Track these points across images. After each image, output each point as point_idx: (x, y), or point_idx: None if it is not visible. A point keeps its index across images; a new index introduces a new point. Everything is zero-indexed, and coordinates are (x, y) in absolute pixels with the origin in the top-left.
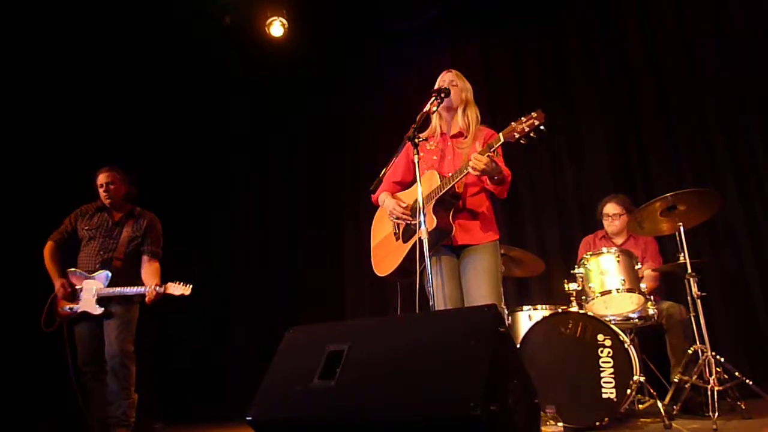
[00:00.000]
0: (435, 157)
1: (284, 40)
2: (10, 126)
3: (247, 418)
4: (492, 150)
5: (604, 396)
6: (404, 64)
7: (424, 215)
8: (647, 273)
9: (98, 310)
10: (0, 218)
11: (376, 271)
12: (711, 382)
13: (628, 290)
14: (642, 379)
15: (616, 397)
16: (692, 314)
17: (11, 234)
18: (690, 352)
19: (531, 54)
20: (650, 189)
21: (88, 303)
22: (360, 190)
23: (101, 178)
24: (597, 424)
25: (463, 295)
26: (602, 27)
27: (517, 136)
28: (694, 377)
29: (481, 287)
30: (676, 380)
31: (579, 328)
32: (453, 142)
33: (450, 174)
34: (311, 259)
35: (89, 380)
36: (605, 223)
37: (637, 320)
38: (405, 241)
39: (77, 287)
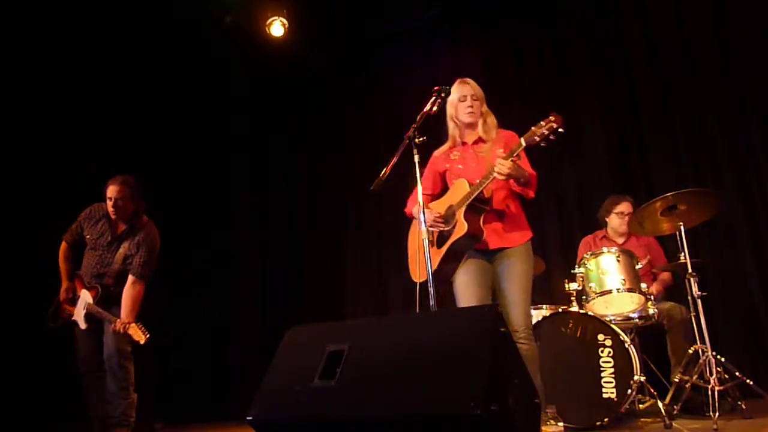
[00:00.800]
0: (461, 166)
1: (284, 40)
2: (10, 126)
3: (248, 418)
4: (515, 154)
5: (604, 396)
6: (404, 64)
7: (425, 215)
8: (664, 274)
9: (83, 325)
10: (0, 218)
11: (413, 278)
12: (711, 381)
13: (629, 290)
14: (642, 378)
15: (617, 396)
16: (693, 314)
17: (11, 234)
18: (690, 351)
19: (531, 54)
20: (650, 189)
21: (78, 314)
22: (360, 190)
23: (111, 191)
24: (597, 423)
25: (491, 296)
26: (602, 27)
27: (537, 139)
28: (695, 377)
29: (513, 293)
30: (676, 380)
31: (579, 328)
32: (474, 149)
33: (478, 180)
34: (311, 259)
35: (88, 380)
36: (617, 221)
37: (637, 320)
38: (439, 246)
39: (78, 294)
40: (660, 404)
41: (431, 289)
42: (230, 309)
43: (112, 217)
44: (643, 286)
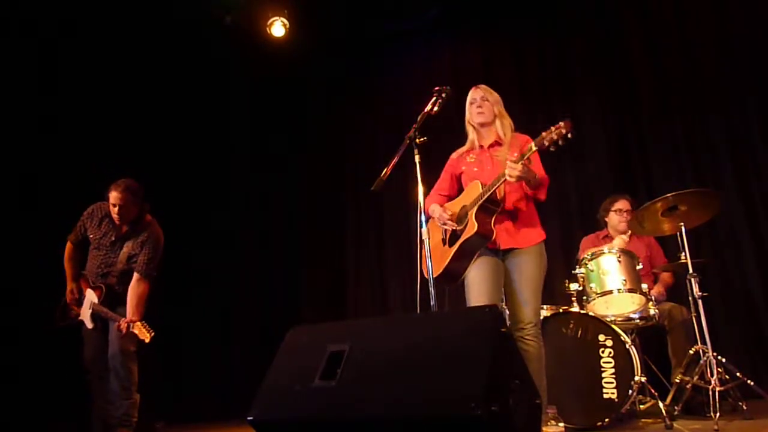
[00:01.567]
0: (476, 169)
1: (285, 40)
2: (10, 126)
3: (248, 419)
4: (525, 158)
5: (605, 396)
6: (404, 64)
7: (424, 215)
8: (664, 274)
9: (90, 325)
10: (0, 218)
11: (426, 276)
12: (712, 382)
13: (629, 290)
14: (643, 379)
15: (618, 397)
16: (693, 314)
17: (11, 234)
18: (691, 352)
19: (531, 54)
20: (651, 189)
21: (84, 314)
22: (360, 190)
23: (113, 197)
24: (598, 424)
25: (501, 294)
26: (602, 27)
27: (547, 144)
28: (696, 378)
29: (523, 292)
30: (677, 381)
31: (580, 329)
32: (490, 152)
33: (490, 182)
34: (311, 259)
35: (93, 380)
36: (616, 219)
37: (638, 320)
38: (450, 245)
39: (84, 294)
40: (661, 405)
41: (432, 289)
42: (231, 309)
43: (117, 222)
44: (644, 286)
